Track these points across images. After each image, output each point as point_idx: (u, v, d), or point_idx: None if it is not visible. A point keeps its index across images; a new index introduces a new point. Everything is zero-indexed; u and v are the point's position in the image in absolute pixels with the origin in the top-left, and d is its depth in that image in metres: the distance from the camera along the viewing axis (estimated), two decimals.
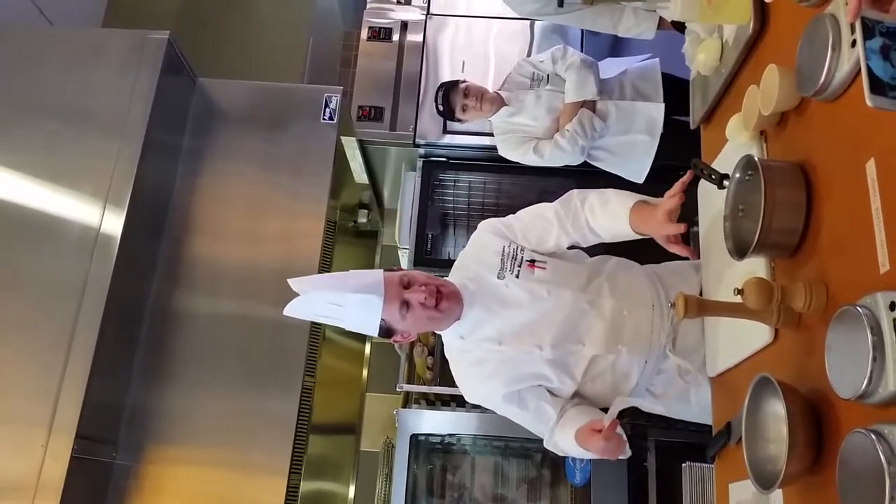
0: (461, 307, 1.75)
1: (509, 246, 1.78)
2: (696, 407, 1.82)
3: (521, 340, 1.74)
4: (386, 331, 1.72)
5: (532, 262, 1.76)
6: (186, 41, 2.64)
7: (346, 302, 1.67)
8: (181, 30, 2.68)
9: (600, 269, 1.82)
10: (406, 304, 1.66)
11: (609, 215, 1.73)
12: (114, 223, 2.30)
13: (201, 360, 2.45)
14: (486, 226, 1.86)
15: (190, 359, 2.44)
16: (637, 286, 1.80)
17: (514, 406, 1.80)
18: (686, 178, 1.57)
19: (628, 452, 1.72)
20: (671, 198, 1.59)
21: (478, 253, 1.83)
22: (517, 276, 1.74)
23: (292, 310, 1.72)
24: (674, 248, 1.64)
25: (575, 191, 1.81)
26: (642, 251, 1.86)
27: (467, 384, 1.85)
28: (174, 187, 2.62)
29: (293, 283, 1.72)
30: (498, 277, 1.75)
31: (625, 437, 1.70)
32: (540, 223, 1.80)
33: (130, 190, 2.33)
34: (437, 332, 1.87)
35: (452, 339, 1.82)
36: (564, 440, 1.76)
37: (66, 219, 2.31)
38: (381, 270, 1.73)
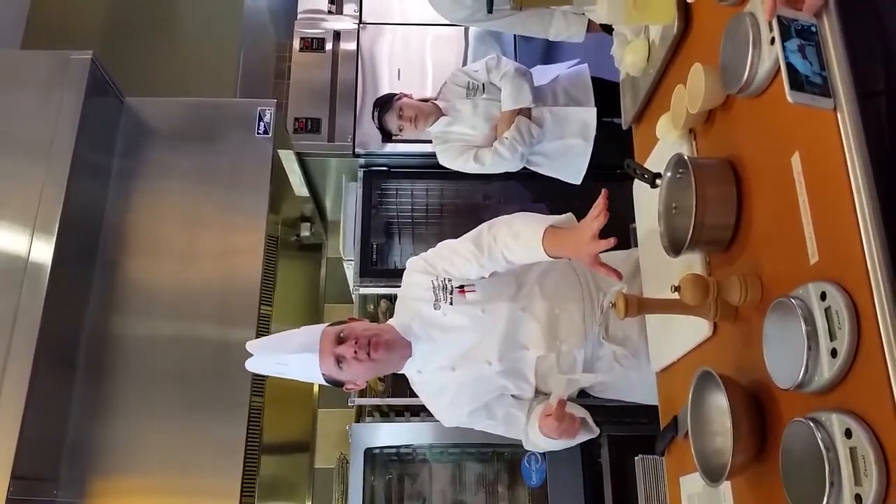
0: (405, 348, 1.81)
1: (437, 279, 1.83)
2: (642, 389, 1.88)
3: (471, 361, 1.80)
4: (333, 381, 1.80)
5: (461, 287, 1.81)
6: (112, 60, 2.57)
7: (288, 361, 1.79)
8: (106, 49, 2.62)
9: (528, 275, 1.87)
10: (340, 359, 1.73)
11: (522, 246, 1.70)
12: (43, 250, 2.21)
13: (143, 385, 2.38)
14: (412, 265, 1.90)
15: (132, 385, 2.37)
16: (566, 282, 1.86)
17: (484, 419, 1.87)
18: (602, 198, 1.54)
19: (596, 431, 1.81)
20: (595, 219, 1.55)
21: (411, 291, 1.88)
22: (451, 304, 1.80)
23: (251, 367, 1.85)
24: (600, 270, 1.59)
25: (485, 225, 1.80)
26: None
27: (439, 413, 1.92)
28: (105, 209, 2.54)
29: (248, 345, 1.84)
30: (435, 308, 1.81)
31: (579, 415, 1.76)
32: (458, 260, 1.81)
33: (59, 215, 2.25)
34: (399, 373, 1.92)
35: (413, 375, 1.88)
36: (536, 436, 1.82)
37: None
38: (324, 326, 1.80)
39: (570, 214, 1.68)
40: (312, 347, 1.74)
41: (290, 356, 1.77)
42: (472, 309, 1.79)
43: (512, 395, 1.86)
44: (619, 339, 1.82)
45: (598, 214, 1.54)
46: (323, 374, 1.76)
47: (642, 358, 1.81)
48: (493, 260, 1.76)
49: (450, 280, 1.81)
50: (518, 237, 1.70)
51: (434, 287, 1.81)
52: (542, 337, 1.79)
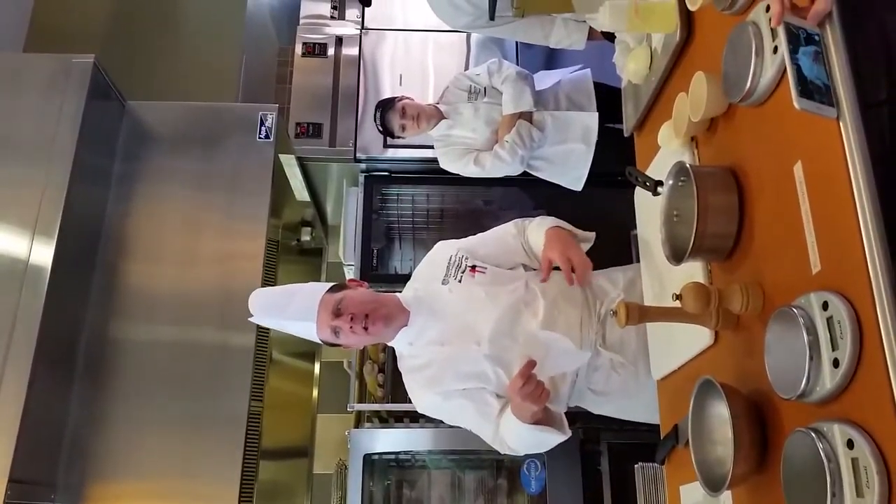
0: (402, 318, 1.85)
1: (456, 254, 1.91)
2: (642, 404, 1.86)
3: (462, 339, 1.82)
4: (330, 344, 1.86)
5: (473, 267, 1.88)
6: (114, 64, 2.57)
7: (286, 324, 1.86)
8: (108, 53, 2.61)
9: (535, 279, 1.89)
10: (336, 330, 1.78)
11: (538, 230, 1.88)
12: (43, 254, 2.21)
13: (142, 390, 2.37)
14: (440, 243, 2.00)
15: (130, 389, 2.36)
16: (568, 291, 1.87)
17: (458, 398, 1.82)
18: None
19: (568, 433, 1.73)
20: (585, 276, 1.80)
21: (430, 264, 1.96)
22: (460, 281, 1.86)
23: (254, 321, 1.92)
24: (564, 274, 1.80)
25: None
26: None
27: (415, 391, 1.90)
28: (106, 213, 2.54)
29: (251, 302, 1.89)
30: (442, 283, 1.88)
31: (556, 410, 1.73)
32: (506, 238, 1.95)
33: (59, 218, 2.25)
34: (389, 345, 1.95)
35: (403, 347, 1.89)
36: (507, 427, 1.76)
37: None
38: (324, 291, 1.81)
39: (592, 234, 1.89)
40: (310, 316, 1.78)
41: (290, 323, 1.84)
42: (476, 290, 1.84)
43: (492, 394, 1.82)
44: (617, 347, 1.82)
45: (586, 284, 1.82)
46: (320, 340, 1.82)
47: (640, 367, 1.81)
48: (524, 238, 1.94)
49: (466, 258, 1.89)
50: (542, 222, 1.90)
51: (450, 262, 1.90)
52: (537, 334, 1.79)
